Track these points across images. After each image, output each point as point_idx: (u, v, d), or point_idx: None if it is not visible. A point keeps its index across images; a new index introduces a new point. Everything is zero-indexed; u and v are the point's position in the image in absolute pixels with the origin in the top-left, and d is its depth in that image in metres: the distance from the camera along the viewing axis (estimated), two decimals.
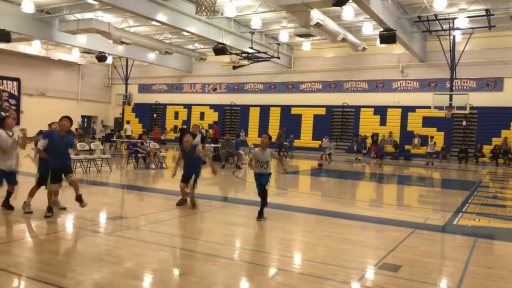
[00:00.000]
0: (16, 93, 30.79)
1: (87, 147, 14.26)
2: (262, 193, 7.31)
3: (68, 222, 6.70)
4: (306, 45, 27.56)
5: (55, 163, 6.82)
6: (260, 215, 7.23)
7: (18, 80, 30.73)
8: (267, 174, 7.40)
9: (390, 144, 25.70)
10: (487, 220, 8.07)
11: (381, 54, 26.46)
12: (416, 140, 25.05)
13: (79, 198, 6.81)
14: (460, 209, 8.96)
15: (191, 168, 8.11)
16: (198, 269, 4.72)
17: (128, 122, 29.50)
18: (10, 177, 7.01)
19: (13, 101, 30.55)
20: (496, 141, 23.45)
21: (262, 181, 7.35)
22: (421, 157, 23.23)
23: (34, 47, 29.57)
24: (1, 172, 6.85)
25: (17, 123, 30.38)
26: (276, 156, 7.24)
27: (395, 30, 18.57)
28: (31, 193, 7.01)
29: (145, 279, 4.44)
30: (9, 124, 7.04)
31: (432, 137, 23.00)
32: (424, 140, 24.19)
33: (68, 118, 6.98)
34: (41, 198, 6.96)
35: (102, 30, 21.66)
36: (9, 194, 7.10)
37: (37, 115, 29.09)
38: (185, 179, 8.07)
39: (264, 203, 7.34)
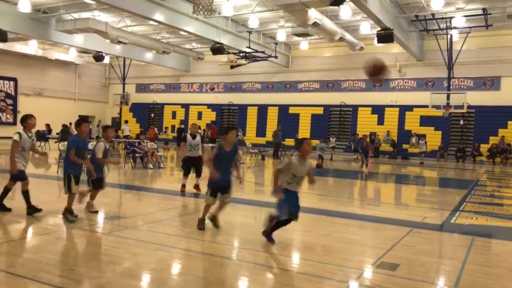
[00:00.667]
0: (12, 93, 30.69)
1: None
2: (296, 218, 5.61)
3: (66, 222, 6.67)
4: (304, 44, 27.57)
5: (78, 170, 6.69)
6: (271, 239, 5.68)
7: (15, 80, 30.64)
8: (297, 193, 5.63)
9: (388, 143, 25.77)
10: (484, 218, 8.10)
11: (378, 53, 26.21)
12: (413, 139, 25.09)
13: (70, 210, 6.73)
14: (457, 208, 8.98)
15: (226, 175, 6.16)
16: (197, 269, 4.72)
17: (126, 122, 29.49)
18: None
19: (9, 101, 30.46)
20: (493, 140, 23.52)
21: (298, 204, 5.59)
22: (419, 157, 23.26)
23: (31, 47, 29.48)
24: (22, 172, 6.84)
25: (14, 123, 30.39)
26: (312, 170, 5.64)
27: (393, 29, 18.61)
28: (93, 196, 7.17)
29: (143, 278, 4.43)
30: (30, 125, 6.90)
31: (423, 136, 23.01)
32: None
33: (86, 122, 6.90)
34: (45, 198, 6.94)
35: (99, 30, 21.61)
36: (7, 191, 6.94)
37: (34, 115, 28.85)
38: (214, 192, 6.12)
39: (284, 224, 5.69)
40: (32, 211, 6.73)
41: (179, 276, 4.60)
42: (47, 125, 24.14)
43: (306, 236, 6.49)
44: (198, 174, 9.88)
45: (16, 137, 6.70)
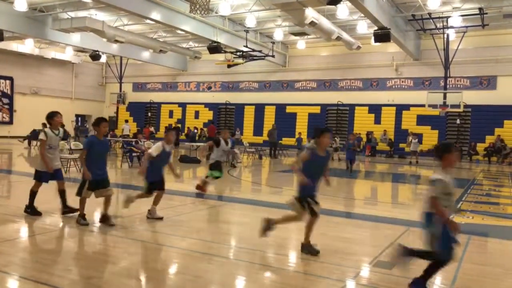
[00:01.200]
0: (9, 92, 30.58)
1: (81, 146, 14.23)
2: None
3: (62, 222, 6.66)
4: (301, 43, 27.57)
5: (99, 174, 6.24)
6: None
7: (11, 78, 30.52)
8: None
9: (385, 142, 25.83)
10: (480, 217, 8.13)
11: (375, 53, 26.52)
12: (410, 138, 25.15)
13: (107, 218, 6.28)
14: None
15: (317, 185, 5.36)
16: (194, 268, 4.72)
17: (126, 121, 29.64)
18: (56, 174, 6.76)
19: (6, 100, 30.35)
20: (489, 139, 23.59)
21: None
22: (411, 156, 23.30)
23: (27, 46, 29.39)
24: (48, 174, 6.64)
25: (10, 122, 30.29)
26: None
27: (389, 29, 18.64)
28: (156, 201, 6.88)
29: (141, 278, 4.43)
30: (56, 122, 6.72)
31: (415, 135, 23.03)
32: (418, 138, 24.26)
33: (105, 121, 6.47)
34: (42, 198, 6.90)
35: (96, 29, 21.56)
36: (62, 193, 6.75)
37: (30, 114, 28.91)
38: (307, 204, 5.18)
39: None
40: (32, 212, 6.66)
41: (176, 275, 4.60)
42: (44, 125, 24.05)
43: (303, 235, 6.49)
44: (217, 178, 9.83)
45: (42, 136, 6.58)
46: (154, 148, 6.79)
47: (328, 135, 5.26)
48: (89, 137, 6.84)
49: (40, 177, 6.68)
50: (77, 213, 6.41)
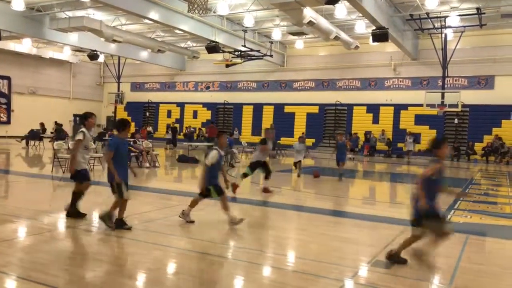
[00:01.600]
0: (6, 92, 30.50)
1: None
2: None
3: (60, 222, 6.65)
4: (299, 43, 27.57)
5: (125, 174, 6.19)
6: None
7: (8, 78, 30.43)
8: None
9: (383, 142, 25.87)
10: (478, 217, 8.15)
11: (373, 52, 26.53)
12: (407, 138, 25.18)
13: (123, 221, 6.10)
14: (452, 206, 9.02)
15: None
16: (192, 268, 4.72)
17: None
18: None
19: (3, 100, 30.27)
20: (487, 138, 23.65)
21: None
22: (414, 155, 23.35)
23: (25, 45, 29.30)
24: (84, 171, 6.59)
25: (8, 122, 30.21)
26: None
27: (388, 29, 18.65)
28: (193, 204, 6.73)
29: (139, 278, 4.42)
30: (91, 123, 6.70)
31: (412, 135, 23.00)
32: (417, 138, 24.32)
33: (130, 124, 6.38)
34: (39, 198, 6.89)
35: (93, 28, 21.52)
36: (79, 194, 6.64)
37: (28, 114, 28.85)
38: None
39: None
40: (75, 214, 6.54)
41: (174, 275, 4.60)
42: (41, 124, 24.04)
43: (302, 235, 6.50)
44: (269, 176, 9.97)
45: (80, 136, 6.50)
46: (211, 157, 6.57)
47: (447, 145, 4.86)
48: (112, 138, 6.75)
49: (85, 176, 6.60)
50: (79, 218, 6.39)
